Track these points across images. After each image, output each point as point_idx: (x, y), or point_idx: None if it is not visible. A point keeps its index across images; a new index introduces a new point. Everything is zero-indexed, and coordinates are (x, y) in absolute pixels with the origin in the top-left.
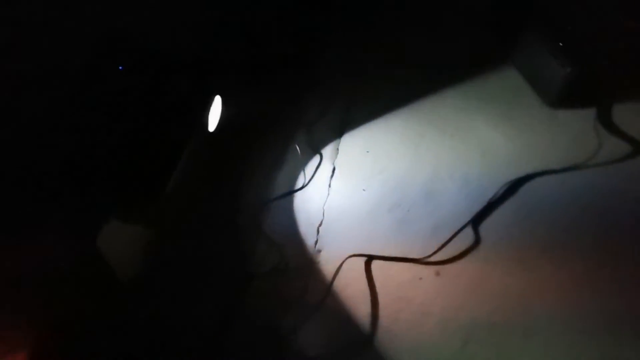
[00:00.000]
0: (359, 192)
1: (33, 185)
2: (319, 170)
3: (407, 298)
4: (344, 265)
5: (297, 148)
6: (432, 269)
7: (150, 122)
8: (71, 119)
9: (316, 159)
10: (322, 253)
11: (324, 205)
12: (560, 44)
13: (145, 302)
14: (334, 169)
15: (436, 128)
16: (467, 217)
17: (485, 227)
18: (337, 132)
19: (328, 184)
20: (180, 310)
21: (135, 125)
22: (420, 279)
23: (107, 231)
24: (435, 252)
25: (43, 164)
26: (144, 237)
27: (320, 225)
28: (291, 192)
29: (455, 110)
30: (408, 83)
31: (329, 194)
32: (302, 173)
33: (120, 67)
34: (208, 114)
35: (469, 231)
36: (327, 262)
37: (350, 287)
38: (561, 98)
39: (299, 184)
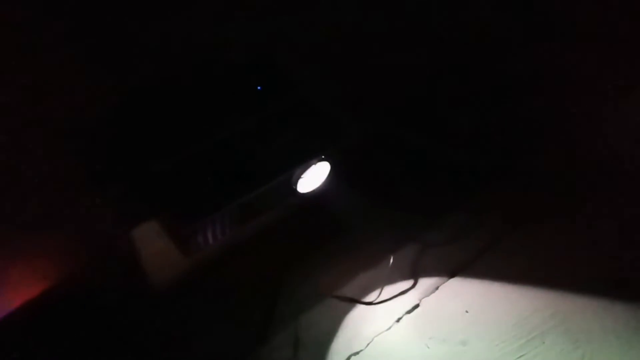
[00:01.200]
0: (422, 346)
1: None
2: (400, 297)
3: None
4: None
5: (391, 259)
6: None
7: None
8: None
9: (406, 282)
10: None
11: (377, 336)
12: None
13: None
14: (416, 306)
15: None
16: None
17: None
18: (449, 270)
19: (398, 317)
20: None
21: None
22: None
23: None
24: None
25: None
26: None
27: (354, 354)
28: (354, 300)
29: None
30: None
31: (389, 328)
32: (379, 288)
33: (259, 87)
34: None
35: None
36: None
37: None
38: None
39: (368, 296)
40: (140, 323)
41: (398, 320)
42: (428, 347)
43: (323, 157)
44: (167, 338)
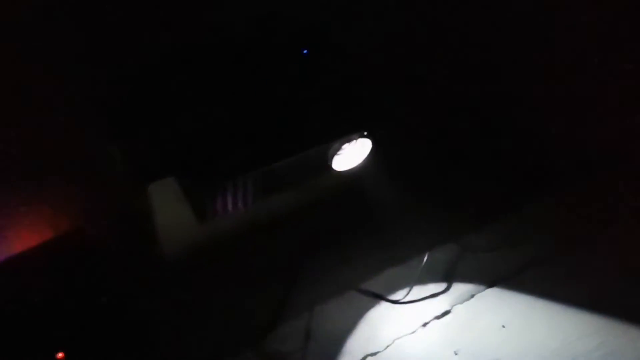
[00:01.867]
0: (448, 358)
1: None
2: (430, 300)
3: None
4: None
5: (425, 257)
6: None
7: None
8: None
9: (439, 285)
10: None
11: (399, 339)
12: None
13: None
14: (447, 312)
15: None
16: None
17: None
18: (488, 279)
19: (425, 321)
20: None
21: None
22: None
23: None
24: None
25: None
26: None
27: (371, 355)
28: (379, 296)
29: None
30: None
31: (414, 332)
32: (408, 287)
33: (305, 51)
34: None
35: None
36: None
37: None
38: None
39: (395, 295)
40: (149, 291)
41: (424, 324)
42: (455, 354)
43: (365, 133)
44: (174, 313)
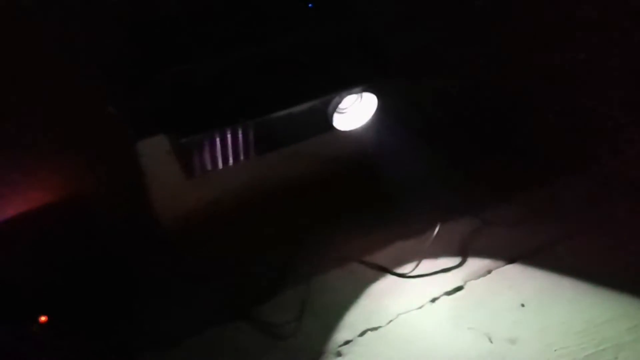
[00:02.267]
0: (458, 336)
1: None
2: (441, 275)
3: None
4: None
5: (437, 228)
6: None
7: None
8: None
9: (452, 259)
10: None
11: (404, 314)
12: None
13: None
14: (459, 288)
15: None
16: None
17: None
18: (507, 255)
19: (434, 297)
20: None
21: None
22: None
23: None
24: None
25: None
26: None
27: (372, 330)
28: (384, 268)
29: None
30: None
31: (421, 307)
32: (417, 260)
33: (310, 5)
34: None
35: None
36: None
37: None
38: None
39: (402, 268)
40: (141, 254)
41: (433, 300)
42: (464, 338)
43: (370, 87)
44: (167, 277)
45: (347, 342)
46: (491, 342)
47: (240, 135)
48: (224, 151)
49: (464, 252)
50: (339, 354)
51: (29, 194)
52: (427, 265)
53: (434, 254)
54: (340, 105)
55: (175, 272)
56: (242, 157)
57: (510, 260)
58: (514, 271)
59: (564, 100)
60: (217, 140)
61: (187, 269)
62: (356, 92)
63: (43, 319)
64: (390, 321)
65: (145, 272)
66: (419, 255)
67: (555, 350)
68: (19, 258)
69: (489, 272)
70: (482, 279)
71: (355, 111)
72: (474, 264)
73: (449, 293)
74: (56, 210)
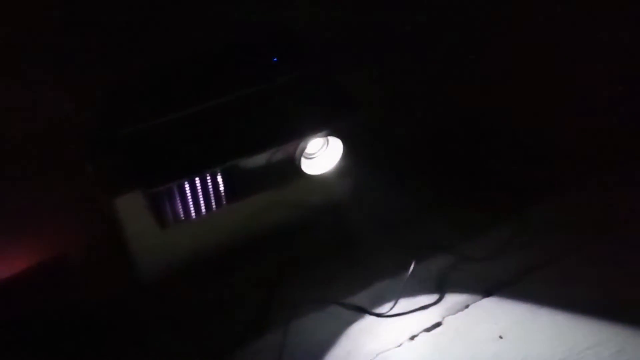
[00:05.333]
0: None
1: None
2: (419, 312)
3: None
4: None
5: (412, 265)
6: None
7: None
8: None
9: (429, 297)
10: None
11: (382, 353)
12: None
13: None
14: (438, 324)
15: None
16: None
17: None
18: (484, 288)
19: (413, 334)
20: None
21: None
22: None
23: None
24: None
25: None
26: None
27: None
28: (362, 309)
29: None
30: None
31: (399, 345)
32: (394, 300)
33: (274, 59)
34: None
35: None
36: None
37: None
38: None
39: (380, 308)
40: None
41: (412, 337)
42: None
43: (333, 131)
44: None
45: None
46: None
47: (209, 183)
48: (195, 199)
49: (441, 288)
50: None
51: (8, 260)
52: (404, 303)
53: (411, 292)
54: (308, 150)
55: (151, 321)
56: (214, 206)
57: (487, 293)
58: (491, 304)
59: (531, 126)
60: (187, 188)
61: (163, 314)
62: (321, 137)
63: None
64: None
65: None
66: (396, 294)
67: None
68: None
69: (467, 306)
70: (459, 313)
71: (323, 155)
72: (452, 299)
73: (427, 330)
74: (35, 274)
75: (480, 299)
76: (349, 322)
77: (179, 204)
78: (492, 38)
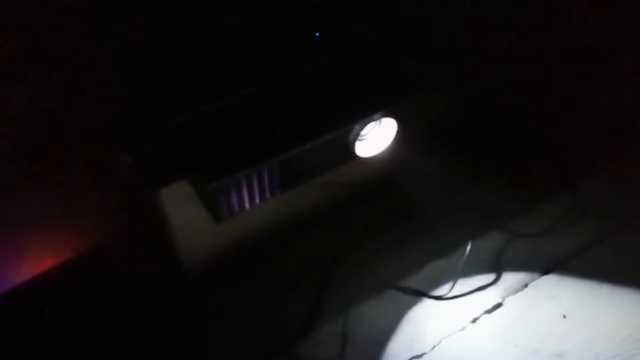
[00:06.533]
0: (505, 355)
1: None
2: (478, 293)
3: None
4: None
5: (469, 247)
6: None
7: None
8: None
9: (487, 276)
10: None
11: (446, 338)
12: None
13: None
14: (498, 305)
15: None
16: None
17: None
18: (541, 266)
19: (474, 317)
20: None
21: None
22: None
23: None
24: None
25: None
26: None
27: (416, 358)
28: (420, 292)
29: None
30: None
31: (462, 329)
32: (452, 281)
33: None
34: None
35: None
36: None
37: None
38: None
39: (438, 290)
40: (170, 306)
41: (474, 320)
42: (511, 357)
43: (388, 112)
44: (197, 326)
45: None
46: (538, 356)
47: (265, 175)
48: (250, 192)
49: (498, 267)
50: None
51: (54, 249)
52: (462, 285)
53: (468, 273)
54: (361, 132)
55: (205, 316)
56: (268, 195)
57: (545, 270)
58: (551, 282)
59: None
60: (243, 182)
61: (217, 311)
62: (375, 119)
63: None
64: (434, 346)
65: (174, 318)
66: (453, 276)
67: None
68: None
69: (526, 285)
70: (519, 293)
71: (376, 136)
72: (509, 278)
73: (488, 312)
74: (79, 264)
75: (539, 277)
76: (408, 307)
77: (235, 197)
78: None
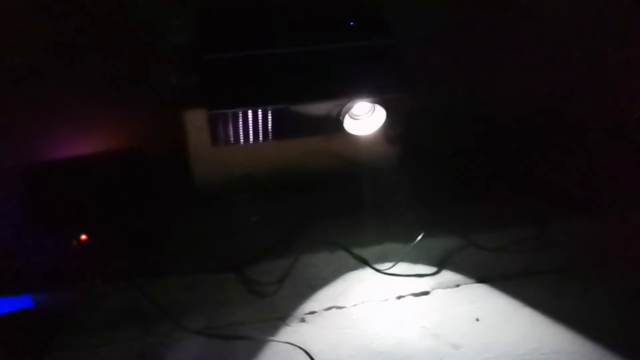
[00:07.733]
0: (407, 331)
1: None
2: (414, 278)
3: None
4: None
5: (420, 236)
6: None
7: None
8: None
9: (427, 268)
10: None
11: (368, 302)
12: None
13: None
14: (425, 292)
15: None
16: None
17: None
18: (480, 275)
19: (400, 295)
20: None
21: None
22: None
23: None
24: None
25: None
26: None
27: (337, 308)
28: (366, 262)
29: None
30: None
31: (385, 300)
32: (395, 260)
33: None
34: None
35: None
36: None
37: None
38: None
39: (382, 265)
40: (173, 205)
41: (399, 297)
42: (414, 333)
43: (381, 100)
44: (186, 226)
45: (312, 312)
46: (436, 341)
47: (260, 118)
48: (245, 129)
49: (442, 264)
50: (303, 320)
51: (101, 138)
52: (404, 267)
53: (413, 260)
54: (353, 111)
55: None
56: (260, 138)
57: (481, 280)
58: (481, 290)
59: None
60: (240, 117)
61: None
62: (368, 102)
63: (83, 237)
64: (355, 305)
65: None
66: (398, 257)
67: None
68: (80, 189)
69: (457, 285)
70: (448, 289)
71: (368, 120)
72: (447, 276)
73: (415, 295)
74: (115, 156)
75: (472, 283)
76: (350, 269)
77: (231, 129)
78: None
